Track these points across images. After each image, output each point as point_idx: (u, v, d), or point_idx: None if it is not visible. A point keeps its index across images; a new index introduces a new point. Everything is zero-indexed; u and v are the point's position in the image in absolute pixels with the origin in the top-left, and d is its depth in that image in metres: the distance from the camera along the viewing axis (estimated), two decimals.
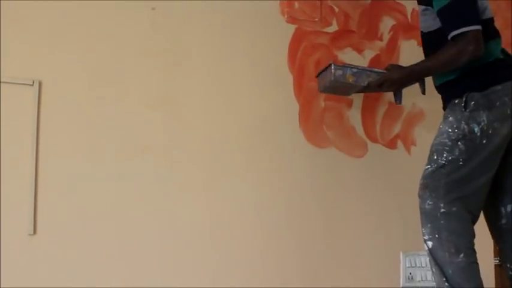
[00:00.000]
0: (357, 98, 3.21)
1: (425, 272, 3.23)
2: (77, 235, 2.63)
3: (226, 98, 2.96)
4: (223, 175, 2.90)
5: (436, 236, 2.37)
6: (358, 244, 3.14)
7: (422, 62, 2.61)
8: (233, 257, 2.88)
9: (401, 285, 3.20)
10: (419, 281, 3.23)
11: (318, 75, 2.92)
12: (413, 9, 3.42)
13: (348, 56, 3.23)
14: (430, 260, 2.42)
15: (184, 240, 2.79)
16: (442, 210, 2.37)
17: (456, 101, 2.45)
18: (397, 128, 3.31)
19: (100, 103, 2.74)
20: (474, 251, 2.39)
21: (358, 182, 3.18)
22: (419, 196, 2.47)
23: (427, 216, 2.42)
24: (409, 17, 3.45)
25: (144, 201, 2.75)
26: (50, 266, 2.58)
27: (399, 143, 3.31)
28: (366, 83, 2.72)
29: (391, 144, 3.29)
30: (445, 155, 2.40)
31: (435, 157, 2.44)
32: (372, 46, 3.32)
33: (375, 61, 3.30)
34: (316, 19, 3.19)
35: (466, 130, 2.38)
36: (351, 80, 2.73)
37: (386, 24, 3.39)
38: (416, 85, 2.77)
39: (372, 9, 3.35)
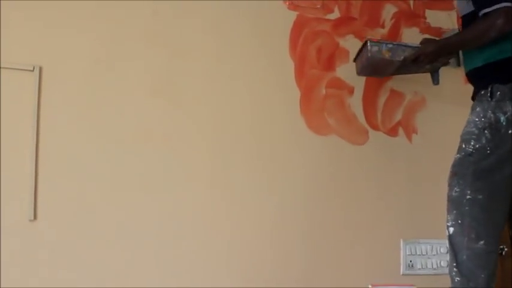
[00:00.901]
0: (359, 85, 3.22)
1: (425, 260, 3.25)
2: (77, 221, 2.64)
3: (228, 86, 2.96)
4: (224, 163, 2.91)
5: (459, 221, 2.41)
6: (359, 232, 3.14)
7: (455, 35, 2.72)
8: (235, 246, 2.89)
9: (401, 272, 3.20)
10: (419, 269, 3.24)
11: (355, 59, 3.00)
12: None
13: (350, 43, 3.22)
14: (449, 247, 2.47)
15: (185, 228, 2.81)
16: (468, 196, 2.41)
17: (483, 92, 2.49)
18: (398, 116, 3.30)
19: (101, 90, 2.75)
20: (496, 242, 2.42)
21: (359, 169, 3.18)
22: (448, 184, 2.50)
23: (453, 203, 2.46)
24: (411, 4, 3.44)
25: (145, 188, 2.76)
26: (50, 252, 2.60)
27: (400, 130, 3.30)
28: (401, 57, 2.76)
29: (392, 132, 3.29)
30: (472, 143, 2.44)
31: (463, 146, 2.48)
32: (374, 33, 3.31)
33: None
34: (318, 6, 3.18)
35: (493, 119, 2.41)
36: (387, 56, 2.78)
37: (389, 11, 3.38)
38: (422, 75, 2.82)
39: None
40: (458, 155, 2.50)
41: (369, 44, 2.79)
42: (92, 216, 2.67)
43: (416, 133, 3.32)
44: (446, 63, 2.91)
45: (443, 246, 3.25)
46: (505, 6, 2.36)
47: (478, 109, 2.48)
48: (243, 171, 2.94)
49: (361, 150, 3.20)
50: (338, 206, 3.12)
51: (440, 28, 3.46)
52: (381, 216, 3.20)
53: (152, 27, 2.86)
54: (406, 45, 2.79)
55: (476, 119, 2.46)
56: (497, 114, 2.41)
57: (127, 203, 2.72)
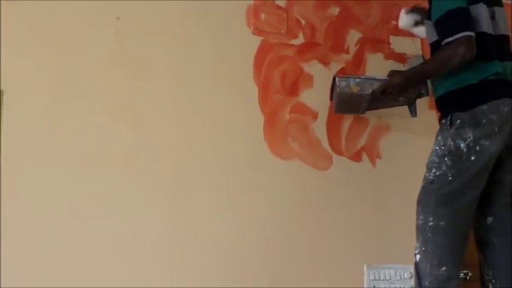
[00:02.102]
0: (323, 110, 3.26)
1: (389, 285, 3.27)
2: (38, 243, 2.63)
3: (191, 109, 2.98)
4: (187, 186, 2.92)
5: (423, 248, 2.48)
6: (322, 257, 3.16)
7: (420, 65, 2.79)
8: (196, 270, 2.89)
9: None
10: None
11: (331, 98, 3.05)
12: (379, 22, 3.48)
13: (314, 68, 3.28)
14: (414, 274, 2.55)
15: (146, 250, 2.80)
16: (431, 223, 2.48)
17: (443, 121, 2.57)
18: (362, 141, 3.34)
19: (63, 112, 2.76)
20: (458, 268, 2.50)
21: (323, 194, 3.21)
22: (416, 213, 2.57)
23: (419, 231, 2.53)
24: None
25: (108, 210, 2.76)
26: (11, 271, 2.58)
27: (364, 155, 3.34)
28: (370, 91, 2.79)
29: (356, 157, 3.32)
30: (433, 171, 2.52)
31: (426, 174, 2.56)
32: (338, 59, 3.37)
33: (341, 73, 3.33)
34: (283, 31, 3.23)
35: (452, 146, 2.48)
36: (355, 90, 2.81)
37: (353, 37, 3.43)
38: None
39: (338, 22, 3.40)
40: (422, 184, 2.58)
41: (337, 79, 2.83)
42: (53, 239, 2.65)
43: (380, 158, 3.36)
44: (421, 95, 2.95)
45: (407, 271, 3.29)
46: (465, 35, 2.44)
47: (439, 138, 2.56)
48: (205, 194, 2.95)
49: (325, 175, 3.22)
50: (301, 231, 3.13)
51: (404, 54, 3.52)
52: (344, 242, 3.22)
53: (115, 49, 2.88)
54: (373, 79, 2.84)
55: (437, 148, 2.53)
56: (457, 141, 2.47)
57: (89, 225, 2.71)
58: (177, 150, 2.93)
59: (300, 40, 3.28)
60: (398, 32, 3.53)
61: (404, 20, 3.08)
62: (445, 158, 2.49)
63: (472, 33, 2.45)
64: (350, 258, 3.22)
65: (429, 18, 2.66)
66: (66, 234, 2.68)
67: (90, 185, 2.75)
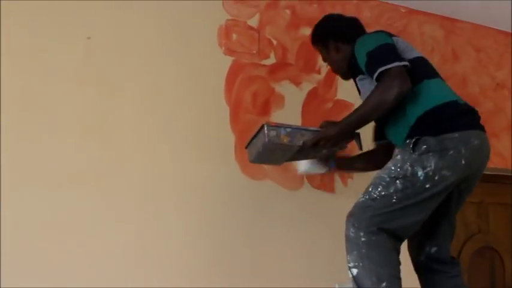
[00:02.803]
0: None
1: None
2: (4, 264, 2.59)
3: (161, 128, 2.99)
4: (155, 204, 2.93)
5: (360, 264, 2.38)
6: (294, 276, 3.18)
7: (354, 111, 2.59)
8: (163, 285, 2.88)
9: None
10: None
11: (247, 146, 2.76)
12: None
13: (285, 88, 3.32)
14: None
15: (116, 269, 2.79)
16: (363, 239, 2.38)
17: (407, 141, 2.46)
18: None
19: (32, 132, 2.75)
20: (398, 279, 2.42)
21: (294, 214, 3.23)
22: (346, 223, 2.47)
23: (351, 244, 2.42)
24: None
25: (76, 230, 2.75)
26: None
27: (336, 175, 3.36)
28: (300, 142, 2.57)
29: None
30: (379, 189, 2.41)
31: (370, 189, 2.46)
32: (310, 79, 3.42)
33: (312, 94, 3.39)
34: (254, 51, 3.27)
35: (409, 172, 2.38)
36: (285, 141, 2.56)
37: None
38: None
39: (310, 42, 3.42)
40: (361, 197, 2.47)
41: (265, 128, 2.55)
42: (21, 258, 2.63)
43: (352, 178, 3.38)
44: (343, 148, 2.79)
45: None
46: (395, 66, 2.39)
47: (398, 157, 2.46)
48: (175, 213, 2.96)
49: (296, 195, 3.25)
50: (271, 251, 3.15)
51: None
52: (315, 261, 3.24)
53: (84, 67, 2.88)
54: (305, 129, 2.63)
55: (392, 168, 2.44)
56: (415, 167, 2.38)
57: (55, 243, 2.69)
58: (146, 168, 2.93)
59: (271, 60, 3.32)
60: None
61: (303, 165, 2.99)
62: (397, 181, 2.39)
63: (401, 63, 2.41)
64: (321, 277, 3.21)
65: (360, 71, 2.63)
66: (32, 253, 2.65)
67: (58, 203, 2.73)
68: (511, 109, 4.19)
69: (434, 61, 3.79)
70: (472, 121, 2.50)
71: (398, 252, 2.47)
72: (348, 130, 2.58)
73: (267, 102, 3.26)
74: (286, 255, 3.18)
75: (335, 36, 2.78)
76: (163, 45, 3.06)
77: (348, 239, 2.44)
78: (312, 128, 2.64)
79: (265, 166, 3.15)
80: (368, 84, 2.57)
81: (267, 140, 2.53)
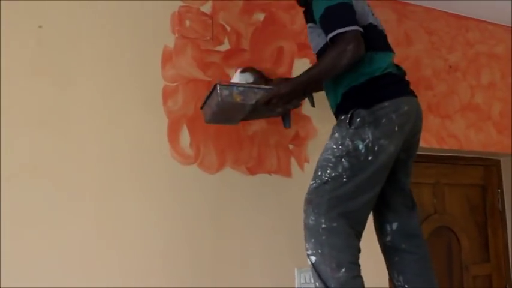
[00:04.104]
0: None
1: None
2: None
3: (116, 116, 3.00)
4: (111, 194, 2.94)
5: (319, 251, 2.42)
6: (252, 260, 3.23)
7: (306, 71, 2.61)
8: (121, 273, 2.90)
9: None
10: None
11: (202, 107, 2.85)
12: (305, 28, 3.57)
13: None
14: (313, 275, 2.48)
15: (71, 263, 2.80)
16: (323, 225, 2.42)
17: (342, 117, 2.52)
18: (290, 145, 3.43)
19: None
20: (357, 265, 2.46)
21: (250, 198, 3.28)
22: (304, 211, 2.52)
23: (310, 232, 2.46)
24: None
25: (31, 223, 2.75)
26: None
27: (292, 160, 3.43)
28: (253, 101, 2.62)
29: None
30: (328, 171, 2.46)
31: (319, 173, 2.51)
32: (264, 64, 3.44)
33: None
34: (208, 37, 3.28)
35: (350, 147, 2.44)
36: (238, 99, 2.61)
37: (279, 42, 3.53)
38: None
39: (264, 28, 3.48)
40: (313, 182, 2.52)
41: (218, 87, 2.61)
42: None
43: (308, 162, 3.43)
44: (297, 105, 2.84)
45: None
46: (351, 30, 2.42)
47: (336, 135, 2.51)
48: (132, 202, 2.97)
49: (253, 180, 3.30)
50: (230, 234, 3.20)
51: None
52: (274, 245, 3.29)
53: (38, 60, 2.88)
54: (258, 88, 2.67)
55: (334, 146, 2.48)
56: (355, 141, 2.43)
57: (13, 238, 2.69)
58: (102, 159, 2.94)
59: (225, 46, 3.35)
60: None
61: (237, 80, 2.95)
62: (342, 159, 2.44)
63: (358, 28, 2.43)
64: (280, 262, 3.29)
65: (311, 20, 2.65)
66: None
67: (11, 195, 2.72)
68: (464, 91, 4.29)
69: None
70: (400, 88, 2.57)
71: (358, 237, 2.52)
72: (300, 89, 2.60)
73: None
74: (246, 239, 3.23)
75: None
76: (116, 33, 3.06)
77: (307, 227, 2.49)
78: (264, 87, 2.68)
79: (225, 156, 3.22)
80: (317, 37, 2.63)
81: (219, 99, 2.58)
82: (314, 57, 3.53)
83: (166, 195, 3.06)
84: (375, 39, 2.61)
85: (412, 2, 4.14)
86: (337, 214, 2.43)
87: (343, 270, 2.38)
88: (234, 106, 2.67)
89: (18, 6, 2.85)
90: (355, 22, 2.46)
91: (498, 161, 4.62)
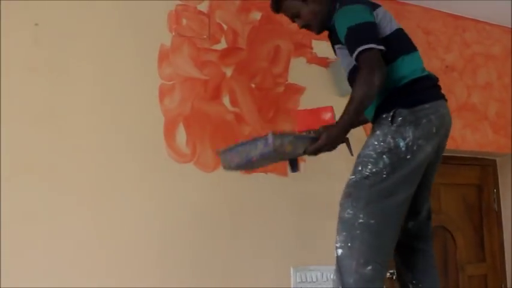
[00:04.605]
0: (249, 115, 3.34)
1: (315, 286, 3.37)
2: None
3: (112, 114, 3.02)
4: (109, 192, 2.95)
5: (349, 244, 2.42)
6: (248, 259, 3.24)
7: (344, 111, 2.51)
8: (119, 270, 2.92)
9: None
10: None
11: (221, 153, 2.59)
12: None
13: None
14: (335, 268, 2.45)
15: (68, 259, 2.82)
16: (360, 220, 2.42)
17: (384, 116, 2.54)
18: None
19: None
20: (384, 267, 2.46)
21: (246, 197, 3.30)
22: (340, 205, 2.51)
23: (344, 225, 2.46)
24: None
25: (28, 221, 2.76)
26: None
27: None
28: (302, 150, 2.50)
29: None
30: (369, 167, 2.48)
31: (360, 168, 2.51)
32: (261, 63, 3.46)
33: (263, 76, 3.46)
34: (205, 36, 3.30)
35: (392, 144, 2.47)
36: (288, 150, 2.46)
37: (276, 41, 3.54)
38: None
39: (261, 27, 3.50)
40: (353, 177, 2.52)
41: (271, 138, 2.37)
42: None
43: (305, 161, 3.44)
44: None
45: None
46: (374, 48, 2.44)
47: (377, 132, 2.53)
48: (127, 200, 2.99)
49: (250, 178, 3.31)
50: (227, 234, 3.22)
51: (327, 58, 3.65)
52: (270, 244, 3.31)
53: (34, 57, 2.89)
54: (306, 137, 2.55)
55: (376, 143, 2.51)
56: (397, 139, 2.47)
57: (11, 235, 2.71)
58: (97, 156, 2.95)
59: (222, 45, 3.36)
60: (321, 36, 3.65)
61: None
62: (384, 156, 2.46)
63: (378, 46, 2.45)
64: (276, 261, 3.31)
65: (338, 41, 2.66)
66: None
67: (9, 193, 2.74)
68: (460, 91, 4.31)
69: None
70: (438, 92, 2.62)
71: (393, 237, 2.52)
72: (347, 130, 2.55)
73: (218, 87, 3.30)
74: (242, 238, 3.24)
75: None
76: (113, 30, 3.08)
77: (342, 220, 2.48)
78: (310, 136, 2.58)
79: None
80: (347, 56, 2.63)
81: (272, 149, 2.39)
82: (310, 56, 3.61)
83: (163, 192, 3.07)
84: (405, 41, 2.66)
85: (410, 2, 4.16)
86: (376, 210, 2.44)
87: (370, 267, 2.39)
88: (277, 156, 2.51)
89: (15, 4, 2.87)
90: (375, 40, 2.49)
91: (494, 161, 4.64)
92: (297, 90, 3.51)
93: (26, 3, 2.89)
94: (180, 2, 3.26)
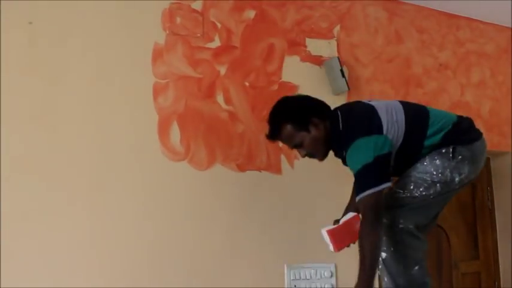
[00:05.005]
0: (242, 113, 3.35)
1: (309, 284, 3.40)
2: None
3: (106, 113, 3.03)
4: (102, 191, 2.97)
5: (392, 249, 2.62)
6: (242, 257, 3.26)
7: (360, 273, 2.51)
8: (112, 268, 2.93)
9: None
10: None
11: None
12: (295, 25, 3.61)
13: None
14: (381, 270, 2.65)
15: (63, 256, 2.83)
16: (401, 225, 2.62)
17: (444, 150, 2.65)
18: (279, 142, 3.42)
19: None
20: (426, 266, 2.68)
21: (240, 195, 3.31)
22: (385, 214, 2.61)
23: (385, 230, 2.61)
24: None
25: (22, 218, 2.77)
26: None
27: (282, 157, 3.46)
28: None
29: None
30: (421, 189, 2.64)
31: (411, 187, 2.65)
32: (255, 61, 3.48)
33: (257, 75, 3.48)
34: (199, 34, 3.31)
35: (449, 178, 2.63)
36: None
37: (270, 40, 3.55)
38: None
39: (254, 25, 3.51)
40: (401, 192, 2.66)
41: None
42: None
43: (298, 159, 3.45)
44: None
45: (327, 270, 3.43)
46: (378, 192, 2.50)
47: (438, 163, 2.64)
48: (121, 199, 3.00)
49: (243, 176, 3.32)
50: (221, 231, 3.23)
51: (320, 56, 3.67)
52: (264, 241, 3.33)
53: (29, 56, 2.90)
54: None
55: (434, 172, 2.63)
56: (454, 174, 2.63)
57: (6, 231, 2.72)
58: (91, 155, 2.97)
59: (216, 43, 3.37)
60: (315, 34, 3.67)
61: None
62: (437, 185, 2.63)
63: (381, 188, 2.51)
64: (270, 258, 3.33)
65: (346, 164, 2.72)
66: None
67: (6, 191, 2.76)
68: (454, 89, 4.32)
69: (378, 43, 3.92)
70: (479, 131, 2.80)
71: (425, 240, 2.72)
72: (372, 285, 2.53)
73: (212, 86, 3.31)
74: (236, 236, 3.26)
75: (314, 111, 2.71)
76: (107, 29, 3.09)
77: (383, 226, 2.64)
78: None
79: (215, 153, 3.25)
80: None
81: None
82: (304, 54, 3.61)
83: (156, 191, 3.09)
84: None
85: (403, 1, 4.17)
86: (419, 221, 2.66)
87: (417, 267, 2.62)
88: None
89: (9, 2, 2.87)
90: (385, 179, 2.54)
91: (488, 159, 4.65)
92: (290, 89, 3.52)
93: (20, 2, 2.89)
94: (174, 1, 3.27)
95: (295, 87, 3.55)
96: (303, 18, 3.69)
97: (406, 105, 2.73)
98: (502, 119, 4.52)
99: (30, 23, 2.92)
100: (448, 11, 4.38)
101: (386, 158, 2.56)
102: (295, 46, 3.62)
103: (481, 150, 2.73)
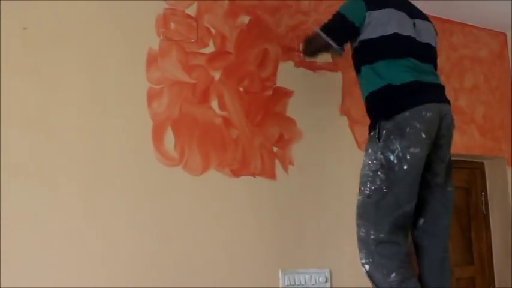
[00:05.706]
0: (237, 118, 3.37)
1: None
2: None
3: (101, 118, 3.03)
4: (98, 195, 2.97)
5: (370, 260, 2.64)
6: (236, 262, 3.27)
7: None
8: (109, 272, 2.93)
9: None
10: None
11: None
12: (289, 30, 3.64)
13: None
14: (371, 282, 2.69)
15: (57, 261, 2.83)
16: (372, 236, 2.63)
17: (372, 133, 2.70)
18: (274, 148, 3.47)
19: None
20: (406, 269, 2.65)
21: (235, 200, 3.32)
22: (356, 224, 2.72)
23: (362, 243, 2.68)
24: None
25: (18, 223, 2.77)
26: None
27: (277, 162, 3.47)
28: None
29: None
30: (368, 185, 2.66)
31: (362, 188, 2.70)
32: (249, 66, 3.49)
33: (252, 81, 3.49)
34: (193, 40, 3.32)
35: (383, 159, 2.61)
36: None
37: (264, 45, 3.57)
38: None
39: (249, 31, 3.52)
40: (360, 197, 2.71)
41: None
42: None
43: (293, 164, 3.48)
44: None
45: (322, 275, 3.44)
46: (325, 37, 2.87)
47: (369, 151, 2.68)
48: (116, 204, 3.00)
49: (238, 182, 3.33)
50: (215, 237, 3.23)
51: (315, 62, 3.67)
52: (258, 247, 3.34)
53: (23, 61, 2.90)
54: None
55: (369, 162, 2.66)
56: (386, 154, 2.60)
57: (5, 232, 2.72)
58: (85, 160, 2.97)
59: (210, 49, 3.38)
60: None
61: None
62: (378, 172, 2.62)
63: (333, 45, 2.87)
64: (265, 263, 3.33)
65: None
66: None
67: (3, 193, 2.75)
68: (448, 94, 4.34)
69: None
70: (421, 96, 2.67)
71: (407, 235, 2.73)
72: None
73: (207, 91, 3.32)
74: (230, 241, 3.26)
75: None
76: (101, 34, 3.10)
77: (359, 238, 2.71)
78: None
79: (209, 159, 3.26)
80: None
81: None
82: (299, 59, 3.66)
83: (151, 196, 3.09)
84: (397, 46, 2.75)
85: None
86: (384, 225, 2.63)
87: (394, 275, 2.60)
88: None
89: (3, 7, 2.88)
90: (337, 35, 2.88)
91: (482, 164, 4.68)
92: (285, 94, 3.54)
93: (14, 6, 2.89)
94: (168, 6, 3.28)
95: (289, 92, 3.56)
96: (297, 23, 3.71)
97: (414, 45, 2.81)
98: (495, 124, 4.55)
99: (25, 28, 2.92)
100: (441, 16, 4.40)
101: (344, 21, 2.82)
102: (290, 51, 3.63)
103: (412, 121, 2.59)
